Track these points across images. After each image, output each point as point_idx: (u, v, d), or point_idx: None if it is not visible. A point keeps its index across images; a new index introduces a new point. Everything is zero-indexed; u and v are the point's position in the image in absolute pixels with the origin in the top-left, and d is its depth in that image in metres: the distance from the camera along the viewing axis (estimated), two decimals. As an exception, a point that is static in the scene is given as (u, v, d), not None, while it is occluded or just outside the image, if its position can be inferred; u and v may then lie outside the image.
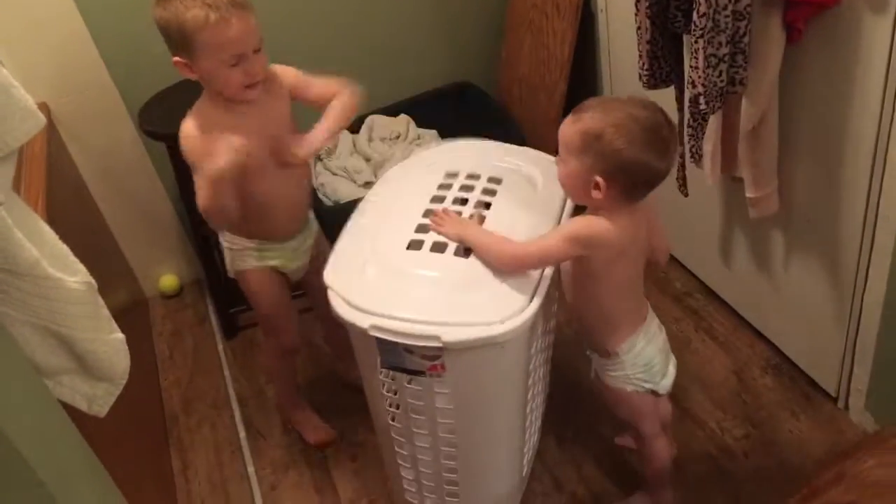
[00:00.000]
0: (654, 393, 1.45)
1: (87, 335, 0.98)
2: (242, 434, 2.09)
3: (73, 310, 0.95)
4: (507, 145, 1.67)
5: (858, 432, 1.76)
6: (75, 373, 1.01)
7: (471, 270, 1.29)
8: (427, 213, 1.40)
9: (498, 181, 1.48)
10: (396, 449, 1.50)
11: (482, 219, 1.40)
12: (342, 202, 2.24)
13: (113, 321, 1.05)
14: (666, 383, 1.45)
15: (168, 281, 2.62)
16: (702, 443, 1.81)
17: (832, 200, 1.56)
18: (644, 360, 1.41)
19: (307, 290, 1.94)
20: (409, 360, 1.27)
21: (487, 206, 1.42)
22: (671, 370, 1.47)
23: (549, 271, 1.32)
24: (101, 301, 1.02)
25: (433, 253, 1.32)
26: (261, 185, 1.58)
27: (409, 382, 1.34)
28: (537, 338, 1.42)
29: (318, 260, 1.71)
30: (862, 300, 1.60)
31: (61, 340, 0.96)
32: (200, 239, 2.28)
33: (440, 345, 1.21)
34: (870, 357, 1.66)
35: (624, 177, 1.21)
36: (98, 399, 1.06)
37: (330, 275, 1.35)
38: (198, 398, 2.23)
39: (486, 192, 1.45)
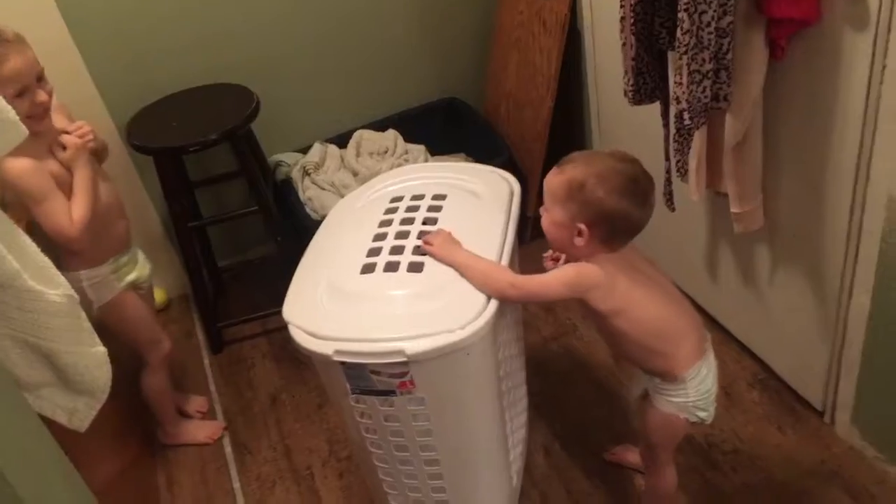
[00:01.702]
0: (701, 422, 1.44)
1: (69, 348, 0.97)
2: (228, 449, 2.07)
3: (54, 322, 0.94)
4: (452, 163, 1.73)
5: (845, 447, 1.76)
6: (55, 386, 1.00)
7: (426, 284, 1.31)
8: (377, 238, 1.42)
9: (442, 197, 1.51)
10: (381, 476, 1.50)
11: (428, 222, 1.43)
12: (330, 217, 2.23)
13: (95, 334, 1.04)
14: (713, 412, 1.44)
15: (155, 295, 2.60)
16: (690, 457, 1.80)
17: (816, 215, 1.57)
18: (706, 388, 1.40)
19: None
20: (378, 381, 1.27)
21: (434, 221, 1.44)
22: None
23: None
24: (82, 314, 1.01)
25: (387, 273, 1.34)
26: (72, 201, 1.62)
27: (381, 405, 1.34)
28: (503, 343, 1.43)
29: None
30: (847, 313, 1.61)
31: (42, 354, 0.95)
32: (188, 253, 2.27)
33: (405, 358, 1.22)
34: (855, 371, 1.66)
35: (605, 224, 1.27)
36: (78, 413, 1.05)
37: (288, 310, 1.36)
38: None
39: (432, 209, 1.48)
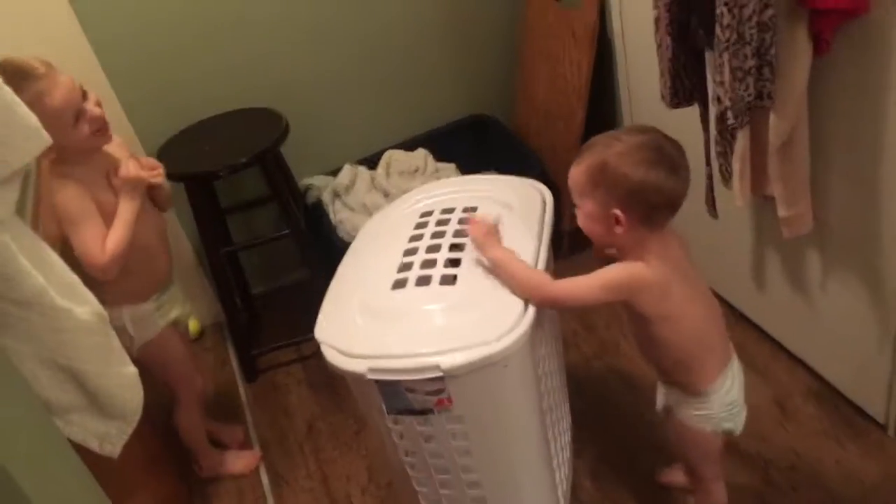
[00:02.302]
0: (728, 433, 1.40)
1: (99, 369, 0.94)
2: (265, 479, 2.03)
3: (83, 341, 0.91)
4: (481, 176, 1.69)
5: (911, 461, 1.67)
6: (86, 410, 0.96)
7: (459, 296, 1.28)
8: (407, 252, 1.39)
9: (473, 209, 1.48)
10: (422, 502, 1.44)
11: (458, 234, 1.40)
12: (362, 238, 2.20)
13: (125, 354, 1.00)
14: (740, 422, 1.39)
15: (189, 325, 2.58)
16: (746, 477, 1.72)
17: (870, 213, 1.50)
18: (730, 399, 1.35)
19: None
20: (414, 399, 1.23)
21: (466, 234, 1.39)
22: (744, 410, 1.40)
23: None
24: (112, 333, 0.97)
25: (419, 287, 1.30)
26: (136, 228, 1.62)
27: (419, 425, 1.29)
28: (542, 357, 1.38)
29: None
30: (907, 318, 1.53)
31: (71, 375, 0.91)
32: (221, 281, 2.25)
33: (440, 374, 1.17)
34: (919, 379, 1.58)
35: (639, 202, 1.18)
36: (110, 438, 1.01)
37: (320, 330, 1.33)
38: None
39: (464, 221, 1.44)
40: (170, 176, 2.06)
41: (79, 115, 1.50)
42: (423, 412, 1.25)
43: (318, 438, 2.11)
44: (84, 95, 1.52)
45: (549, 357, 1.48)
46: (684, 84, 1.57)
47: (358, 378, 1.23)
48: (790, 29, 1.35)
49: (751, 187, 1.61)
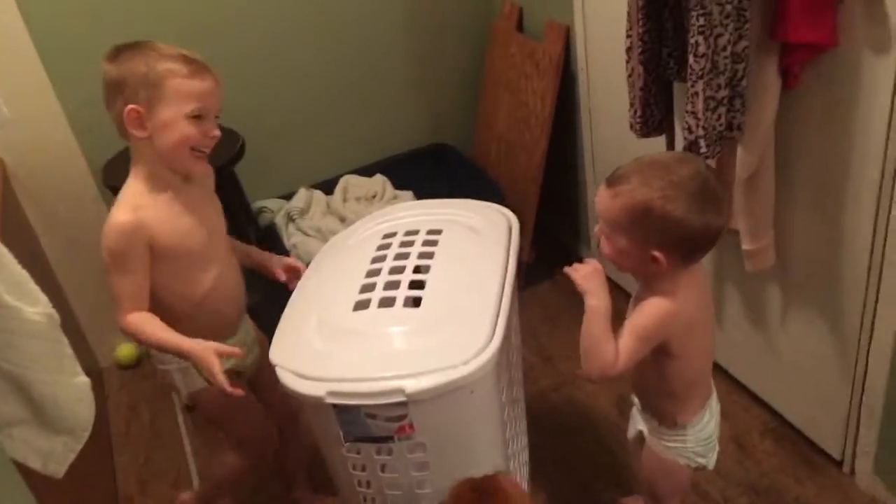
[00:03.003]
0: (701, 468, 1.37)
1: (47, 377, 0.84)
2: (206, 516, 1.90)
3: (31, 345, 0.81)
4: (446, 200, 1.63)
5: (867, 499, 1.66)
6: (29, 424, 0.86)
7: (423, 319, 1.23)
8: (370, 273, 1.32)
9: (438, 232, 1.43)
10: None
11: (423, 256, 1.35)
12: (316, 263, 2.14)
13: (76, 362, 0.91)
14: (713, 457, 1.37)
15: (125, 350, 2.45)
16: (705, 513, 1.69)
17: (833, 249, 1.51)
18: (706, 435, 1.34)
19: (256, 389, 1.60)
20: (374, 425, 1.17)
21: (431, 256, 1.35)
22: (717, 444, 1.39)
23: (505, 306, 1.24)
24: (63, 338, 0.88)
25: (381, 309, 1.25)
26: (208, 272, 1.43)
27: (378, 454, 1.23)
28: (506, 385, 1.34)
29: (266, 347, 1.53)
30: (868, 355, 1.53)
31: (14, 383, 0.82)
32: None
33: (404, 398, 1.11)
34: (877, 416, 1.58)
35: (684, 244, 1.13)
36: (55, 456, 0.91)
37: (275, 352, 1.25)
38: (155, 477, 2.05)
39: (428, 243, 1.40)
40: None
41: (202, 114, 1.31)
42: (383, 440, 1.19)
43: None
44: (217, 116, 1.36)
45: (512, 385, 1.44)
46: (654, 114, 1.57)
47: (315, 402, 1.16)
48: (761, 62, 1.36)
49: (715, 220, 1.61)
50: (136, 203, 1.32)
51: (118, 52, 1.32)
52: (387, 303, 1.26)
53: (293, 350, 1.24)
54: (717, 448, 1.37)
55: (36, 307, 0.83)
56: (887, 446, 1.60)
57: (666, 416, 1.32)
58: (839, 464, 1.74)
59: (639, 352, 1.18)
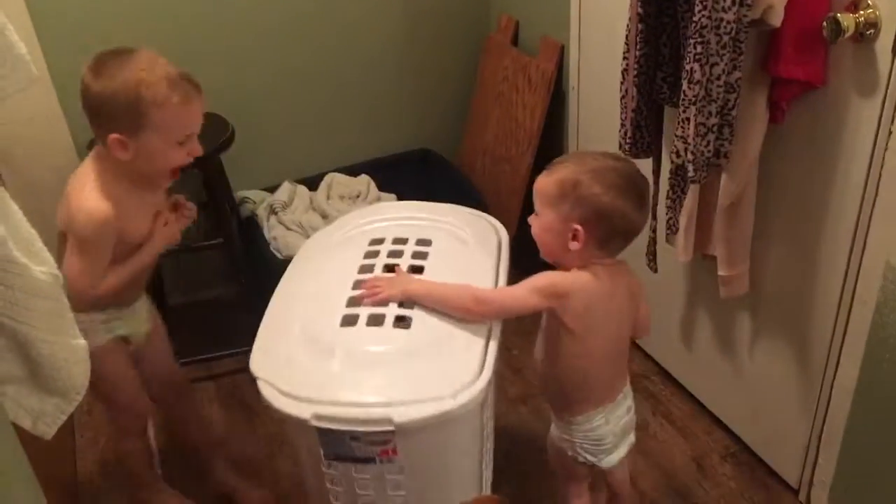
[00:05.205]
0: (591, 465, 1.42)
1: (48, 336, 0.84)
2: None
3: (36, 304, 0.81)
4: (433, 204, 1.63)
5: (819, 527, 1.71)
6: (24, 383, 0.85)
7: (413, 342, 1.21)
8: (357, 285, 1.31)
9: (427, 243, 1.43)
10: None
11: (414, 270, 1.35)
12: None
13: (76, 325, 0.90)
14: (610, 459, 1.42)
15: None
16: (662, 531, 1.72)
17: (806, 282, 1.55)
18: (595, 437, 1.38)
19: (141, 361, 1.65)
20: (357, 447, 1.15)
21: (421, 270, 1.36)
22: (622, 449, 1.43)
23: (493, 345, 1.24)
24: (65, 300, 0.88)
25: (370, 327, 1.23)
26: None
27: (357, 472, 1.21)
28: (489, 417, 1.34)
29: (157, 322, 1.67)
30: (832, 387, 1.58)
31: (14, 340, 0.81)
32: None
33: (392, 428, 1.11)
34: (836, 447, 1.62)
35: (601, 224, 1.21)
36: (46, 416, 0.90)
37: (257, 364, 1.23)
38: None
39: (417, 255, 1.40)
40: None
41: (187, 140, 1.35)
42: (365, 461, 1.18)
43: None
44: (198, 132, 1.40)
45: (491, 405, 1.43)
46: (644, 136, 1.60)
47: (299, 423, 1.13)
48: (751, 94, 1.40)
49: (694, 246, 1.65)
50: (109, 194, 1.34)
51: (101, 66, 1.30)
52: (376, 321, 1.24)
53: (276, 363, 1.21)
54: (616, 451, 1.41)
55: (43, 266, 0.83)
56: (843, 478, 1.64)
57: (557, 409, 1.40)
58: (795, 492, 1.78)
59: (519, 296, 1.25)
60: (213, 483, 1.85)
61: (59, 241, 1.38)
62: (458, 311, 1.24)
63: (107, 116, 1.29)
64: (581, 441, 1.38)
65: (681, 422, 2.01)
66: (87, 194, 1.33)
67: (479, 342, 1.22)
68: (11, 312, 0.78)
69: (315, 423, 1.12)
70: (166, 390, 1.73)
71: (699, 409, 2.03)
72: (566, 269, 1.28)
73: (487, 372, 1.18)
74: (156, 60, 1.31)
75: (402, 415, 1.10)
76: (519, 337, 2.32)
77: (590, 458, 1.39)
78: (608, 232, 1.22)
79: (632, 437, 1.46)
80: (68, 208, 1.35)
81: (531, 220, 1.29)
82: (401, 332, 1.23)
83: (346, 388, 1.15)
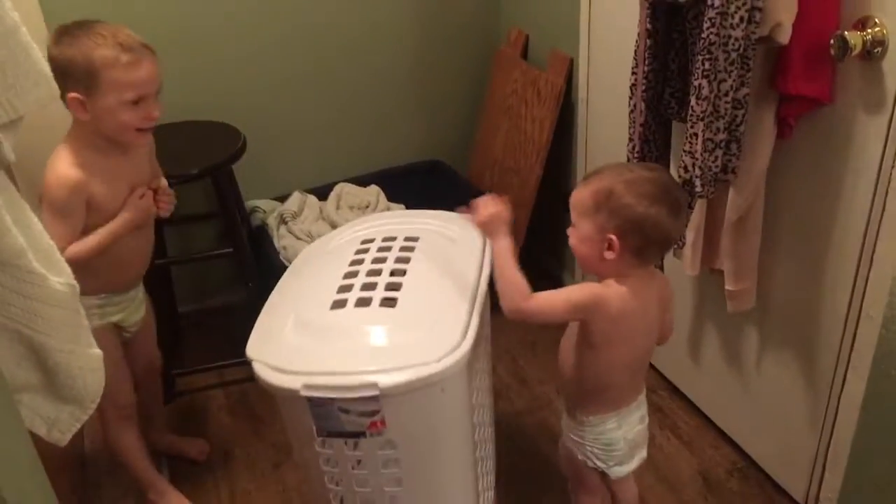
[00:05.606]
0: (603, 473, 1.43)
1: (64, 346, 0.86)
2: (172, 508, 1.90)
3: (53, 314, 0.83)
4: (426, 211, 1.68)
5: (826, 543, 1.70)
6: (39, 391, 0.87)
7: (399, 318, 1.26)
8: (347, 275, 1.37)
9: (415, 239, 1.48)
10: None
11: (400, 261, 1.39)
12: (305, 267, 2.15)
13: (91, 334, 0.92)
14: (619, 470, 1.42)
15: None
16: (668, 545, 1.72)
17: (813, 297, 1.56)
18: (606, 441, 1.39)
19: (128, 345, 1.75)
20: (347, 420, 1.20)
21: (407, 261, 1.40)
22: (633, 462, 1.44)
23: (478, 309, 1.29)
24: (82, 310, 0.89)
25: (358, 308, 1.29)
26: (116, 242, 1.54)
27: (349, 450, 1.26)
28: (476, 388, 1.38)
29: (150, 311, 1.79)
30: (839, 402, 1.57)
31: (32, 349, 0.83)
32: (150, 293, 2.13)
33: (377, 392, 1.15)
34: (842, 465, 1.61)
35: (636, 234, 1.22)
36: (61, 424, 0.92)
37: (252, 348, 1.29)
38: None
39: (405, 249, 1.44)
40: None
41: (142, 99, 1.43)
42: (355, 435, 1.22)
43: (233, 469, 2.00)
44: (157, 93, 1.47)
45: (481, 390, 1.48)
46: (651, 151, 1.61)
47: (290, 396, 1.19)
48: (759, 110, 1.41)
49: (701, 260, 1.66)
50: (79, 161, 1.43)
51: (61, 35, 1.40)
52: (363, 302, 1.29)
53: (269, 345, 1.28)
54: (627, 463, 1.42)
55: (60, 277, 0.85)
56: (850, 494, 1.64)
57: (571, 408, 1.41)
58: (801, 508, 1.78)
59: (556, 307, 1.26)
60: (150, 442, 1.91)
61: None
62: (507, 289, 1.26)
63: (65, 77, 1.35)
64: (591, 444, 1.39)
65: (687, 436, 2.01)
66: (59, 161, 1.43)
67: (463, 315, 1.26)
68: (29, 322, 0.80)
69: (305, 392, 1.17)
70: (144, 373, 1.85)
71: (706, 423, 2.03)
72: (603, 278, 1.29)
73: (469, 339, 1.21)
74: (115, 28, 1.41)
75: (387, 379, 1.15)
76: (526, 349, 2.34)
77: (599, 463, 1.40)
78: (643, 241, 1.23)
79: (643, 453, 1.47)
80: (45, 177, 1.43)
81: (569, 231, 1.31)
82: (388, 310, 1.28)
83: (334, 360, 1.20)
